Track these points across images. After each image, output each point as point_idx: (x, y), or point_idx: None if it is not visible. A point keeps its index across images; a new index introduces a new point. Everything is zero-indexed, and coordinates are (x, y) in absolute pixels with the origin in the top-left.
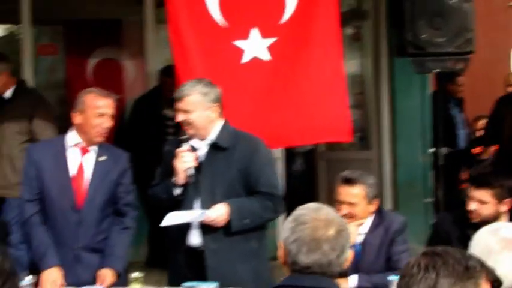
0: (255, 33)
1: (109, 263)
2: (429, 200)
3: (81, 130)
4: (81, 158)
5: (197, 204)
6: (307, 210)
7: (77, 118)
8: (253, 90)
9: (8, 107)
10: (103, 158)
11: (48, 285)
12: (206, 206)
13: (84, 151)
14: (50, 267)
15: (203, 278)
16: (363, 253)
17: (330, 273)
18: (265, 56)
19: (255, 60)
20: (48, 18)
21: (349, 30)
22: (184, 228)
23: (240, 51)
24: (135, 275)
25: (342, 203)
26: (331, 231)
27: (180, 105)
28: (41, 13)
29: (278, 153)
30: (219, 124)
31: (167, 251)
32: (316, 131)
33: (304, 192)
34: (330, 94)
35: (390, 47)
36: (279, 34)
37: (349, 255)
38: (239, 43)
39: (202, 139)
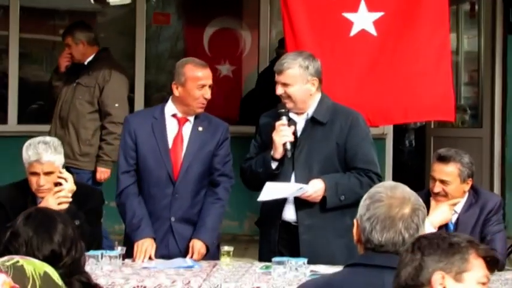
0: (363, 5)
1: (200, 235)
2: None
3: (182, 102)
4: (179, 129)
5: (293, 178)
6: (383, 188)
7: (177, 90)
8: (359, 64)
9: (83, 75)
10: (201, 128)
11: (141, 255)
12: (302, 180)
13: (183, 121)
14: (143, 238)
15: (296, 253)
16: (457, 232)
17: None
18: (372, 30)
19: (363, 33)
20: None
21: (466, 7)
22: (279, 203)
23: (349, 23)
24: (226, 248)
25: (435, 180)
26: (406, 210)
27: (280, 78)
28: None
29: (388, 129)
30: (317, 98)
31: (260, 225)
32: (420, 110)
33: (413, 169)
34: (435, 72)
35: (505, 24)
36: (386, 9)
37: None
38: (348, 15)
39: (301, 113)
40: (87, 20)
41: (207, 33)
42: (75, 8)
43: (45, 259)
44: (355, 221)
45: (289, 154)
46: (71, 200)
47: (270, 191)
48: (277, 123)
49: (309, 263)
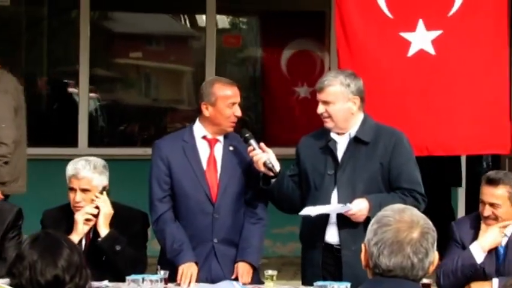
0: (420, 24)
1: (245, 256)
2: None
3: (212, 121)
4: (211, 150)
5: (334, 197)
6: (391, 211)
7: (207, 110)
8: (418, 86)
9: None
10: (232, 148)
11: (186, 279)
12: (345, 200)
13: (213, 142)
14: (186, 261)
15: (339, 277)
16: (507, 255)
17: (413, 277)
18: (430, 49)
19: (421, 53)
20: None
21: None
22: (321, 224)
23: (407, 43)
24: (270, 272)
25: (485, 203)
26: (415, 234)
27: (321, 96)
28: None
29: None
30: (359, 117)
31: (302, 248)
32: (478, 141)
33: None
34: (492, 101)
35: None
36: (445, 27)
37: (435, 258)
38: (406, 35)
39: (341, 133)
40: (179, 44)
41: (285, 56)
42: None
43: (48, 284)
44: (362, 245)
45: (276, 168)
46: (94, 220)
47: (312, 210)
48: (248, 151)
49: (352, 286)
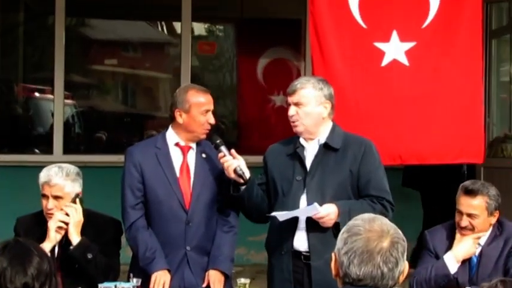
0: (394, 35)
1: (217, 265)
2: None
3: (185, 129)
4: (184, 157)
5: (303, 203)
6: (361, 221)
7: (181, 117)
8: (391, 95)
9: None
10: (204, 155)
11: (159, 287)
12: None
13: (186, 149)
14: (159, 269)
15: (308, 284)
16: (480, 265)
17: (383, 287)
18: (404, 60)
19: (395, 63)
20: (208, 16)
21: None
22: (289, 231)
23: (381, 53)
24: (242, 280)
25: (462, 213)
26: (385, 243)
27: (293, 98)
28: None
29: None
30: (328, 124)
31: (269, 255)
32: (452, 151)
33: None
34: (466, 112)
35: None
36: (418, 39)
37: (405, 268)
38: (380, 45)
39: (310, 139)
40: (155, 51)
41: (261, 64)
42: (147, 40)
43: None
44: (333, 254)
45: (246, 175)
46: (66, 228)
47: (281, 213)
48: (219, 157)
49: None
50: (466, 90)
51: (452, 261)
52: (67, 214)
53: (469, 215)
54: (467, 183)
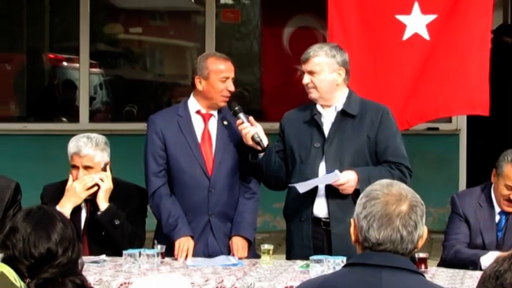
0: (416, 7)
1: (240, 231)
2: None
3: (205, 96)
4: (205, 125)
5: (322, 170)
6: (379, 185)
7: (200, 84)
8: (410, 70)
9: None
10: (226, 122)
11: (183, 253)
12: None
13: (208, 117)
14: (182, 236)
15: (328, 249)
16: (507, 229)
17: (403, 251)
18: (425, 34)
19: (416, 37)
20: None
21: None
22: (309, 197)
23: (402, 26)
24: (266, 246)
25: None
26: (404, 207)
27: (306, 66)
28: None
29: (462, 123)
30: (344, 92)
31: (288, 222)
32: (453, 103)
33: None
34: (472, 65)
35: None
36: (439, 11)
37: (424, 232)
38: (402, 18)
39: (326, 105)
40: (182, 19)
41: (286, 32)
42: (173, 8)
43: (41, 256)
44: (351, 220)
45: (264, 143)
46: (95, 188)
47: (301, 185)
48: (237, 124)
49: (342, 256)
50: (473, 45)
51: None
52: (101, 180)
53: None
54: None
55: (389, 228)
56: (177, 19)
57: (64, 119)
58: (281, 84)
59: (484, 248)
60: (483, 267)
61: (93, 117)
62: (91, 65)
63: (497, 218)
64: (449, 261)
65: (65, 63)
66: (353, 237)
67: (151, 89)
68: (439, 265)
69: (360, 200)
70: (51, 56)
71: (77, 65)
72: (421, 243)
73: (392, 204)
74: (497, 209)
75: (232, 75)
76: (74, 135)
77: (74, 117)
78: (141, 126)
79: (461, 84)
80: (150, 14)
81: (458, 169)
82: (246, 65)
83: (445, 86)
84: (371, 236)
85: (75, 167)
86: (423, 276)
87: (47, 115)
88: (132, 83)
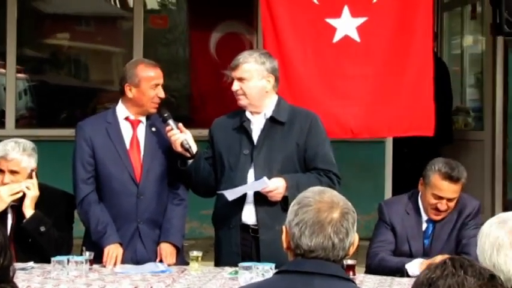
0: (346, 11)
1: (169, 237)
2: None
3: (135, 103)
4: (133, 131)
5: (251, 177)
6: (311, 193)
7: (130, 91)
8: (343, 71)
9: None
10: (154, 129)
11: (112, 260)
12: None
13: (136, 123)
14: (111, 243)
15: (256, 257)
16: (434, 237)
17: (334, 257)
18: (355, 36)
19: (346, 39)
20: None
21: (468, 8)
22: (238, 204)
23: (332, 29)
24: (195, 253)
25: (442, 198)
26: (335, 214)
27: (236, 73)
28: None
29: None
30: (273, 99)
31: (216, 229)
32: (402, 124)
33: (416, 172)
34: (417, 86)
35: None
36: (370, 14)
37: (355, 239)
38: (332, 21)
39: (256, 112)
40: (109, 25)
41: (213, 38)
42: (100, 14)
43: None
44: (283, 227)
45: (193, 149)
46: (21, 194)
47: (230, 192)
48: (166, 131)
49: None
50: (416, 64)
51: (414, 268)
52: (28, 188)
53: (450, 199)
54: (446, 169)
55: (321, 235)
56: (103, 25)
57: None
58: (209, 90)
59: (411, 255)
60: (410, 274)
61: (18, 122)
62: (16, 70)
63: (424, 225)
64: (374, 269)
65: None
66: (285, 244)
67: (77, 94)
68: (365, 272)
69: (292, 207)
70: None
71: (1, 69)
72: (352, 250)
73: (324, 212)
74: (424, 217)
75: (161, 81)
76: (0, 141)
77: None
78: (67, 132)
79: (410, 103)
80: (76, 19)
81: (384, 176)
82: (173, 71)
83: (393, 103)
84: (303, 243)
85: (1, 171)
86: (354, 283)
87: None
88: (57, 88)
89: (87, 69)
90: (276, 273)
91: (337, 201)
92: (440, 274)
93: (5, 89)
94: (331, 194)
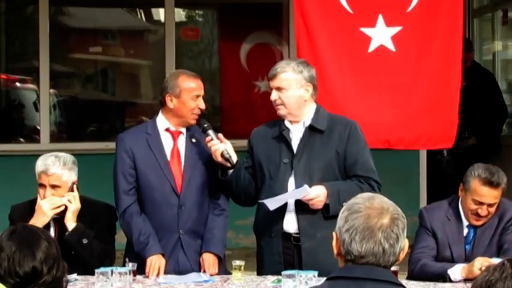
0: (380, 20)
1: (210, 248)
2: None
3: (176, 114)
4: (174, 142)
5: (291, 186)
6: (361, 199)
7: (171, 102)
8: (379, 81)
9: None
10: (194, 140)
11: (154, 271)
12: None
13: (177, 134)
14: (153, 254)
15: (299, 265)
16: (475, 242)
17: (384, 263)
18: (390, 46)
19: (382, 49)
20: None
21: (498, 14)
22: (279, 213)
23: (367, 39)
24: (237, 262)
25: (483, 204)
26: (385, 220)
27: (274, 82)
28: None
29: None
30: (312, 107)
31: (258, 238)
32: (428, 136)
33: (451, 180)
34: (444, 97)
35: None
36: (404, 23)
37: (405, 245)
38: (366, 30)
39: (295, 121)
40: (136, 38)
41: (244, 49)
42: (127, 27)
43: (26, 275)
44: (334, 234)
45: (233, 159)
46: (63, 207)
47: (271, 201)
48: (206, 141)
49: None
50: (446, 76)
51: (456, 274)
52: (69, 201)
53: (490, 205)
54: (485, 174)
55: (371, 241)
56: (130, 38)
57: (22, 140)
58: (239, 101)
59: (453, 261)
60: (453, 279)
61: (51, 137)
62: None
63: (465, 231)
64: (416, 275)
65: (18, 84)
66: (335, 250)
67: (106, 108)
68: (407, 279)
69: (342, 214)
70: (4, 76)
71: (31, 85)
72: (402, 256)
73: (374, 218)
74: (465, 223)
75: (202, 92)
76: (36, 155)
77: (33, 138)
78: (101, 145)
79: (438, 116)
80: (103, 34)
81: (419, 183)
82: (204, 82)
83: (424, 117)
84: (353, 248)
85: (43, 185)
86: None
87: (5, 136)
88: (86, 102)
89: (115, 82)
90: (327, 280)
91: (387, 206)
92: (499, 276)
93: (35, 104)
94: (381, 200)
